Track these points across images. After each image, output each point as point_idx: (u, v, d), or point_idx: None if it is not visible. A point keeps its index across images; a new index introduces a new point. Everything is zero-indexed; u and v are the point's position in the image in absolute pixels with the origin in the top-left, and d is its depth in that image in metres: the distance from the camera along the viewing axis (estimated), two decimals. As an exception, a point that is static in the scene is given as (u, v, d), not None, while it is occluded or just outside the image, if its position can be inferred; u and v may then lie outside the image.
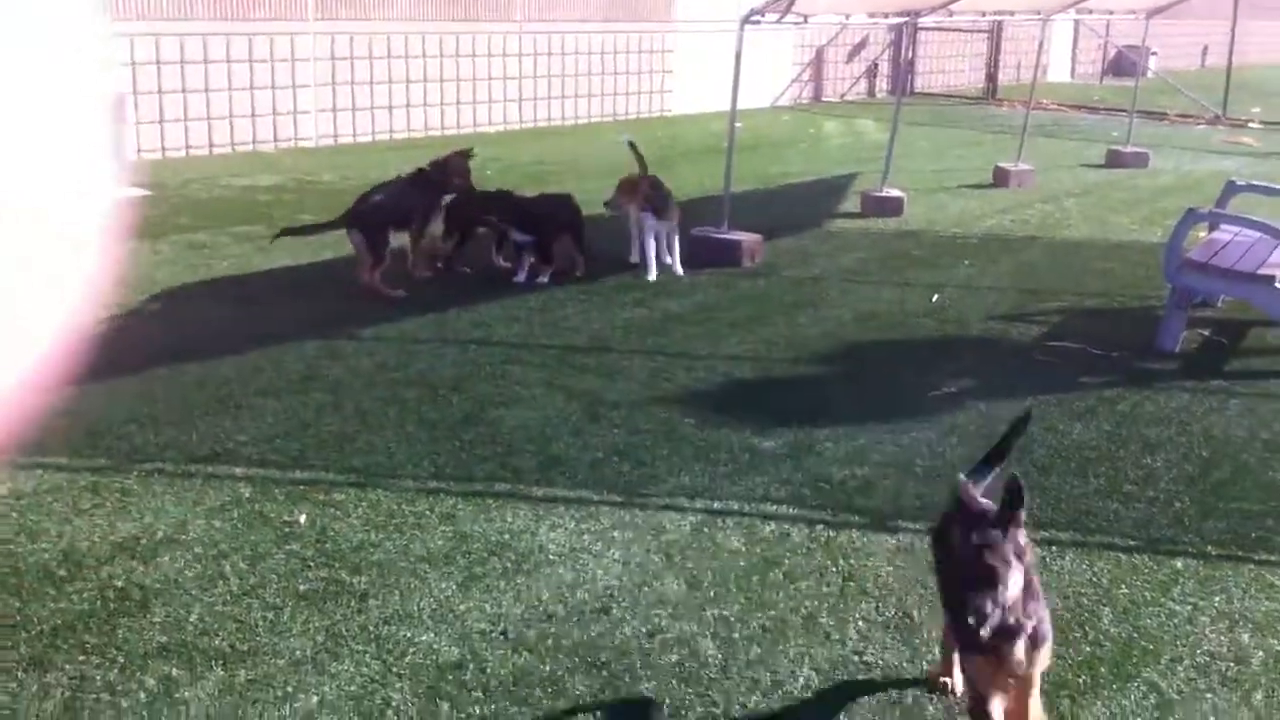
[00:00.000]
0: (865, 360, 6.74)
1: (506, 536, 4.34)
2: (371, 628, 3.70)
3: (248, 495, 4.61)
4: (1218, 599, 4.01)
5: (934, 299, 7.98)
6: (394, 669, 3.49)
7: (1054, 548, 4.37)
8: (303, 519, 4.42)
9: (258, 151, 13.32)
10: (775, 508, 4.69)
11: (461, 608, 3.84)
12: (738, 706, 3.40)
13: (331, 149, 13.79)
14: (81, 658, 3.49)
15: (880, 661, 3.64)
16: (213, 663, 3.49)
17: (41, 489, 4.58)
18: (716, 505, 4.69)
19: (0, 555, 4.07)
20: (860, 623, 3.85)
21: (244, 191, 11.01)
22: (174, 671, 3.43)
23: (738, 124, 9.26)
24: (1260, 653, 3.69)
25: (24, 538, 4.20)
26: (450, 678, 3.46)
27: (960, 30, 24.13)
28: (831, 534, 4.48)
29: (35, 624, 3.66)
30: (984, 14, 12.98)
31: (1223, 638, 3.77)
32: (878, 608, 3.94)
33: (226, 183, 11.40)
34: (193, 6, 12.59)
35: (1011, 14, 13.69)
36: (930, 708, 3.41)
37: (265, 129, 13.50)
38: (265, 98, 13.42)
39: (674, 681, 3.50)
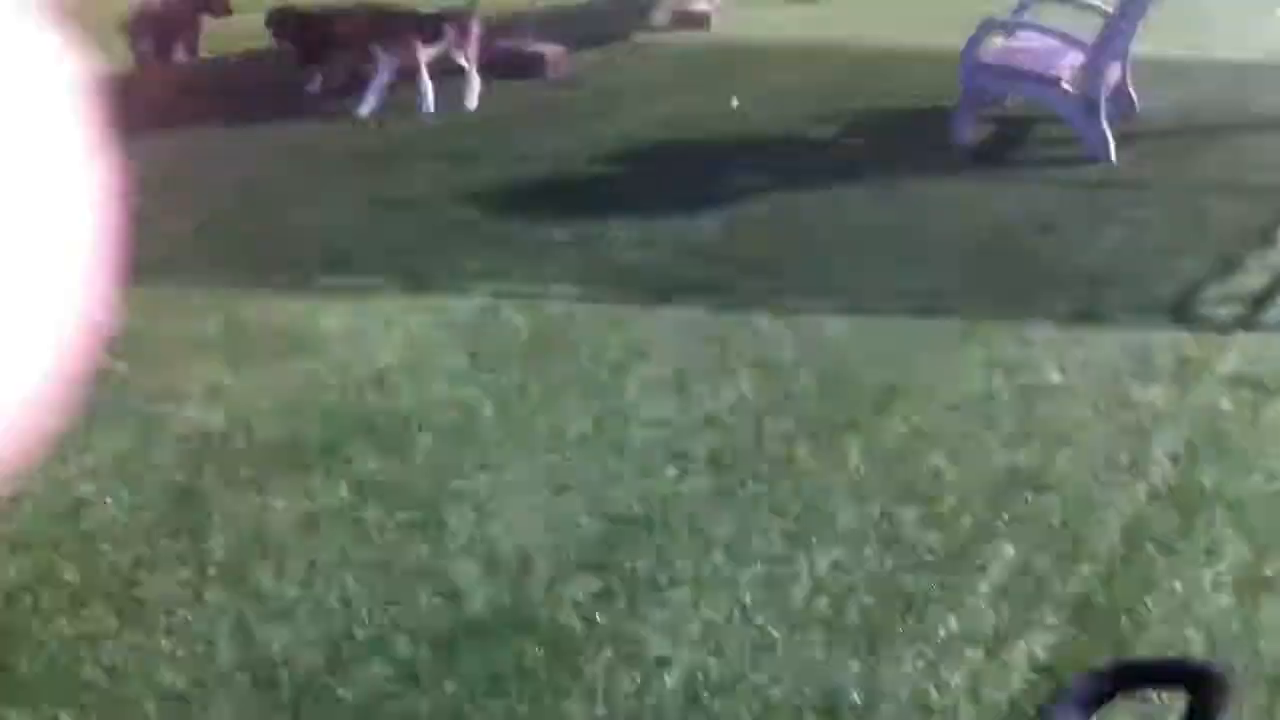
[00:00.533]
0: (660, 159, 6.73)
1: (284, 320, 4.27)
2: (136, 405, 3.62)
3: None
4: (977, 351, 4.18)
5: (733, 104, 7.98)
6: (157, 441, 3.43)
7: (825, 317, 4.49)
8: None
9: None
10: (562, 288, 4.71)
11: (230, 384, 3.78)
12: (514, 458, 3.44)
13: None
14: None
15: (656, 414, 3.72)
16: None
17: None
18: (503, 288, 4.68)
19: None
20: (638, 382, 3.92)
21: None
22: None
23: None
24: (1008, 390, 3.88)
25: None
26: (217, 445, 3.42)
27: None
28: (615, 310, 4.52)
29: None
30: None
31: (977, 381, 3.95)
32: (655, 369, 4.01)
33: None
34: None
35: None
36: (697, 444, 3.51)
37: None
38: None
39: (451, 439, 3.52)
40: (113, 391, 3.66)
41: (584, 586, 2.88)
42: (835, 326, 4.43)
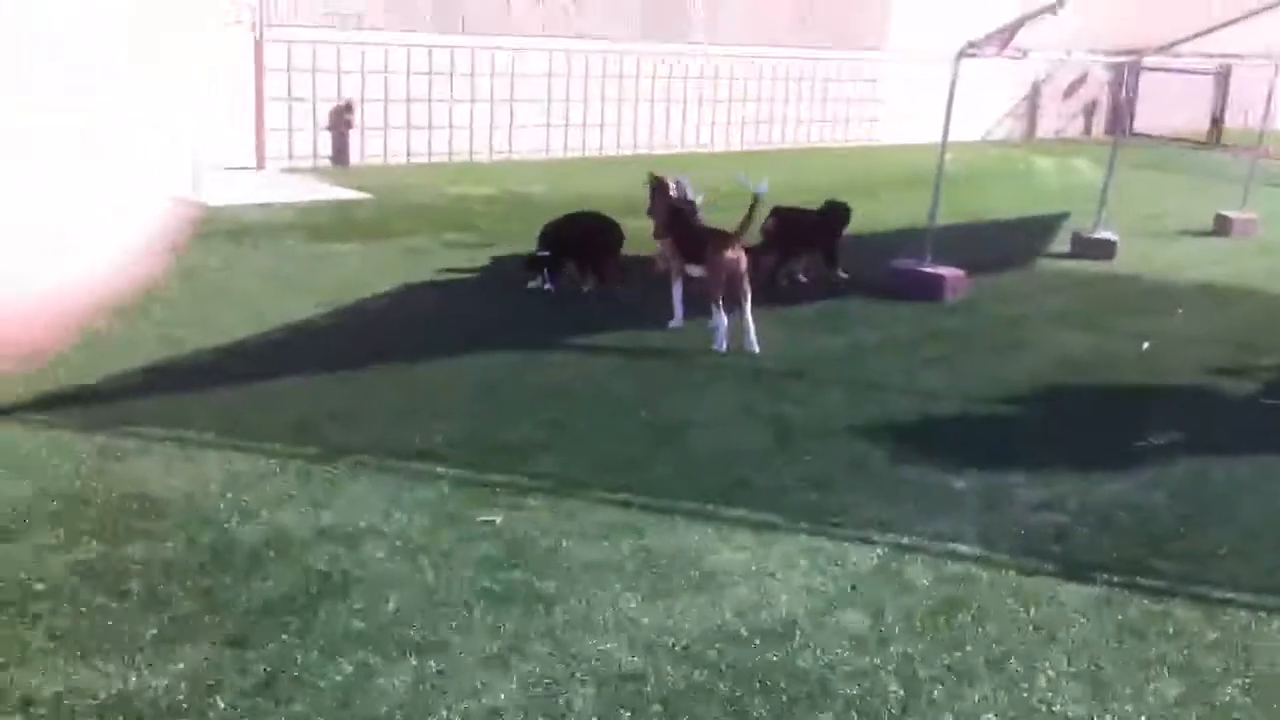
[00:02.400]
0: (1066, 405, 6.56)
1: (692, 554, 4.38)
2: (557, 633, 3.79)
3: (446, 493, 4.77)
4: None
5: (1143, 347, 7.73)
6: (576, 674, 3.57)
7: (1254, 614, 4.19)
8: (497, 520, 4.55)
9: (474, 162, 13.73)
10: (965, 548, 4.61)
11: (644, 620, 3.89)
12: (916, 745, 3.37)
13: (544, 162, 14.12)
14: (283, 637, 3.66)
15: (1069, 714, 3.55)
16: (406, 653, 3.62)
17: (255, 473, 4.83)
18: (905, 541, 4.64)
19: (214, 533, 4.30)
20: (1050, 672, 3.76)
21: (457, 200, 11.37)
22: (370, 659, 3.58)
23: (947, 156, 9.14)
24: None
25: (236, 517, 4.43)
26: (630, 687, 3.51)
27: (1185, 72, 23.27)
28: (1023, 580, 4.38)
29: (241, 602, 3.85)
30: (1211, 56, 12.49)
31: None
32: (1069, 659, 3.84)
33: (442, 190, 11.79)
34: (421, 20, 13.07)
35: (1240, 58, 13.16)
36: (1117, 767, 3.31)
37: (482, 140, 13.91)
38: (484, 110, 13.83)
39: (853, 715, 3.48)
40: (540, 615, 3.86)
41: None
42: (1267, 629, 4.12)
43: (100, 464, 4.80)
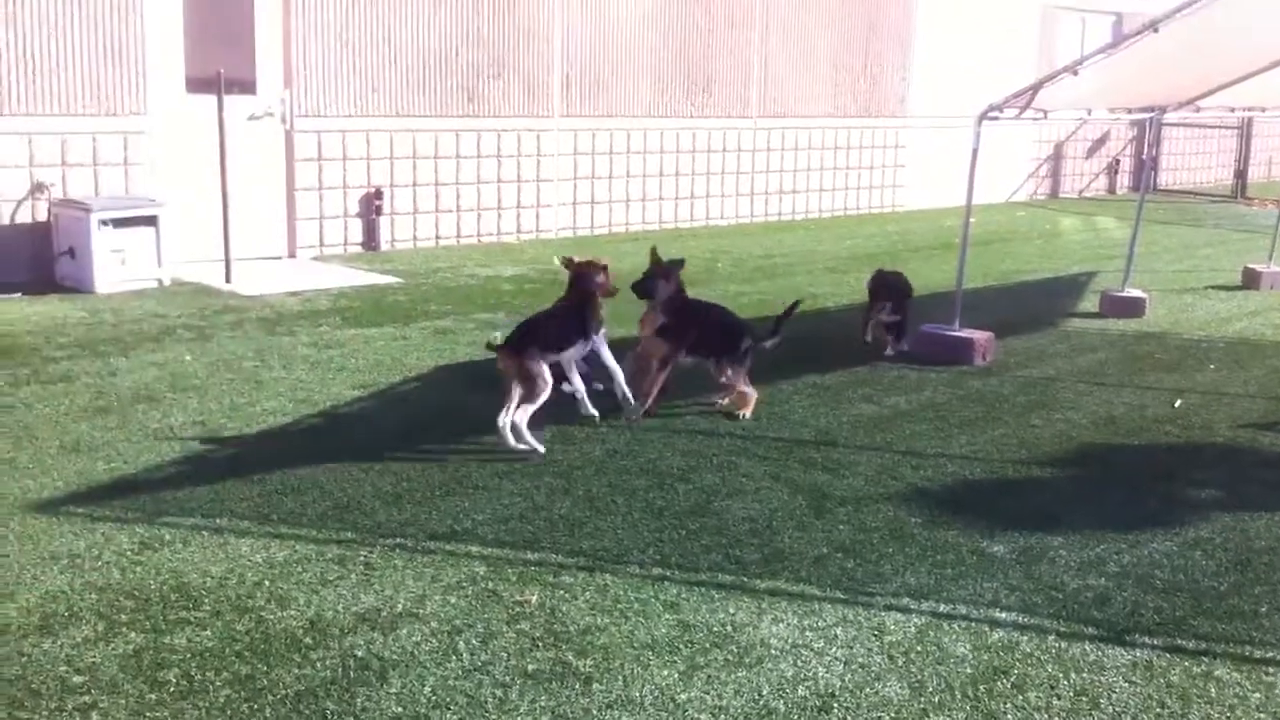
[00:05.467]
0: (1101, 466, 6.53)
1: (729, 628, 4.37)
2: (595, 711, 3.78)
3: (482, 573, 4.78)
4: None
5: (1176, 404, 7.69)
6: (616, 754, 3.56)
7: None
8: (533, 599, 4.56)
9: (501, 242, 13.89)
10: (1004, 614, 4.59)
11: (683, 697, 3.88)
12: (961, 817, 3.33)
13: (572, 240, 14.25)
14: (323, 722, 3.68)
15: (1113, 781, 3.51)
16: (444, 735, 3.62)
17: (292, 560, 4.86)
18: (942, 608, 4.62)
19: (252, 621, 4.33)
20: (1092, 739, 3.72)
21: (487, 280, 11.49)
22: (408, 741, 3.58)
23: (971, 219, 9.18)
24: None
25: (274, 605, 4.46)
26: (671, 766, 3.50)
27: (1207, 126, 23.31)
28: (1063, 645, 4.35)
29: (280, 688, 3.87)
30: (1233, 110, 12.56)
31: None
32: (1111, 725, 3.81)
33: (472, 272, 11.92)
34: (448, 105, 13.28)
35: (1263, 110, 13.17)
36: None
37: (509, 221, 14.07)
38: (511, 191, 14.00)
39: (895, 786, 3.45)
40: (578, 694, 3.86)
41: None
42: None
43: (138, 555, 4.84)
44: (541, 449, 6.21)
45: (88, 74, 10.67)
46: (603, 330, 6.90)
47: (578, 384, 6.77)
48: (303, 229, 12.47)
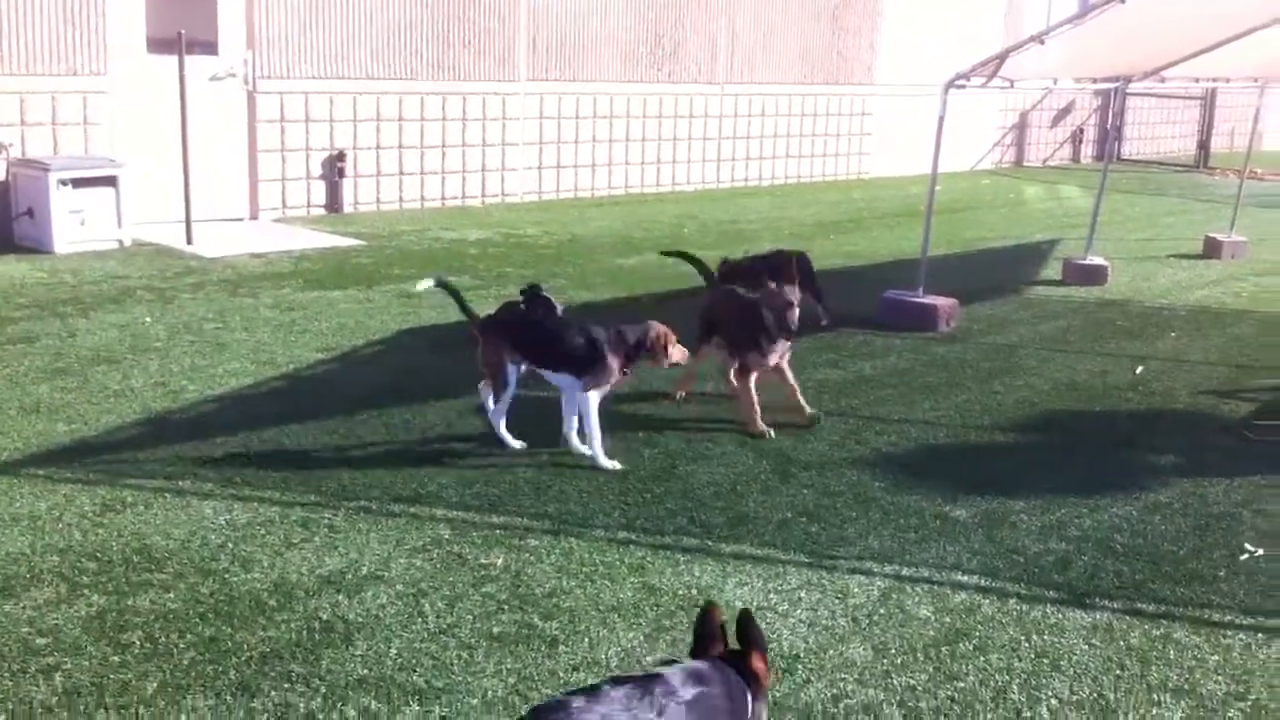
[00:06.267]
0: (1063, 431, 6.59)
1: (694, 591, 4.39)
2: (561, 673, 3.79)
3: (447, 536, 4.78)
4: None
5: (1137, 371, 7.76)
6: None
7: (1255, 636, 4.20)
8: (499, 562, 4.56)
9: (466, 206, 13.81)
10: (966, 577, 4.63)
11: (648, 659, 3.90)
12: (922, 777, 3.36)
13: (536, 204, 14.20)
14: (286, 685, 3.66)
15: (1072, 741, 3.56)
16: (410, 698, 3.62)
17: (256, 522, 4.84)
18: (905, 572, 4.66)
19: (216, 583, 4.31)
20: (1053, 701, 3.76)
21: (452, 244, 11.43)
22: (373, 704, 3.58)
23: (937, 187, 9.20)
24: None
25: (238, 567, 4.44)
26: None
27: (1172, 96, 23.44)
28: (1024, 608, 4.39)
29: (245, 650, 3.86)
30: (1197, 80, 12.63)
31: None
32: (1071, 687, 3.85)
33: (436, 235, 11.85)
34: (413, 68, 13.17)
35: (1227, 80, 13.26)
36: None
37: (474, 185, 13.98)
38: (475, 155, 13.91)
39: (858, 747, 3.48)
40: (544, 656, 3.87)
41: None
42: (1267, 651, 4.13)
43: (100, 516, 4.81)
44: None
45: (47, 33, 10.51)
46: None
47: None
48: (265, 191, 12.35)
